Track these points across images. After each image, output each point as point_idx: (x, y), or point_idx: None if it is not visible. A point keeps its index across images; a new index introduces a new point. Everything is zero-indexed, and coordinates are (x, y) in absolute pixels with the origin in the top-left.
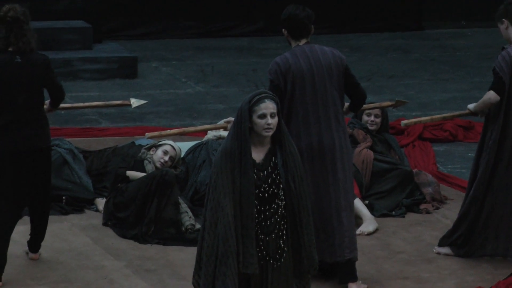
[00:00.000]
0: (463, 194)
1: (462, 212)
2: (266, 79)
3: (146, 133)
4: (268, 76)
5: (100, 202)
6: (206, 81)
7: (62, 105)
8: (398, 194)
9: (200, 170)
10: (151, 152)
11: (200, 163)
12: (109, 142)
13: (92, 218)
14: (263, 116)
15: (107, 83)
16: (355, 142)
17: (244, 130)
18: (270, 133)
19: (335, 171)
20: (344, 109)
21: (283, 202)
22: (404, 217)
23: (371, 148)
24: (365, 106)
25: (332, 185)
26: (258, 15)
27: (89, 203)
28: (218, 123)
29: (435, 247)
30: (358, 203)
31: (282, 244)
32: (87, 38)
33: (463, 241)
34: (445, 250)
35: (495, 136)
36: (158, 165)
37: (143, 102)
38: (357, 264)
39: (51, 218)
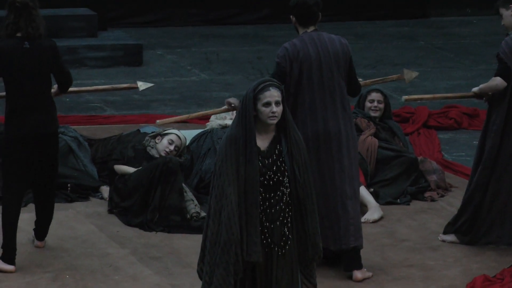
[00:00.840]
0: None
1: (466, 198)
2: (271, 67)
3: (157, 120)
4: (276, 59)
5: (105, 190)
6: (211, 68)
7: (69, 89)
8: (403, 181)
9: (205, 158)
10: (156, 141)
11: (205, 151)
12: (114, 129)
13: (97, 206)
14: (268, 104)
15: (112, 71)
16: (358, 130)
17: (249, 118)
18: (275, 121)
19: (341, 158)
20: None
21: (288, 190)
22: (409, 204)
23: (374, 135)
24: (368, 81)
25: (337, 172)
26: (263, 2)
27: (94, 191)
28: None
29: (440, 234)
30: (363, 191)
31: (287, 231)
32: (92, 25)
33: (467, 228)
34: (450, 237)
35: (499, 121)
36: (163, 154)
37: (150, 84)
38: (362, 251)
39: (56, 205)
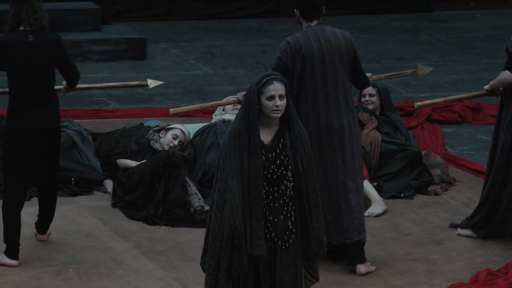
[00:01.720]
0: (472, 176)
1: (484, 195)
2: (274, 61)
3: (170, 109)
4: (277, 54)
5: (109, 184)
6: (214, 62)
7: (79, 85)
8: (406, 175)
9: (209, 152)
10: (161, 135)
11: (208, 145)
12: (118, 123)
13: (101, 200)
14: (271, 98)
15: (115, 65)
16: (360, 124)
17: (253, 112)
18: (279, 115)
19: (344, 152)
20: None
21: (292, 184)
22: (412, 198)
23: (376, 129)
24: (383, 75)
25: (340, 167)
26: None
27: (98, 185)
28: (230, 97)
29: (458, 228)
30: (367, 185)
31: (291, 225)
32: (96, 19)
33: (484, 223)
34: (467, 232)
35: (511, 115)
36: (166, 148)
37: (160, 82)
38: (365, 246)
39: (60, 199)
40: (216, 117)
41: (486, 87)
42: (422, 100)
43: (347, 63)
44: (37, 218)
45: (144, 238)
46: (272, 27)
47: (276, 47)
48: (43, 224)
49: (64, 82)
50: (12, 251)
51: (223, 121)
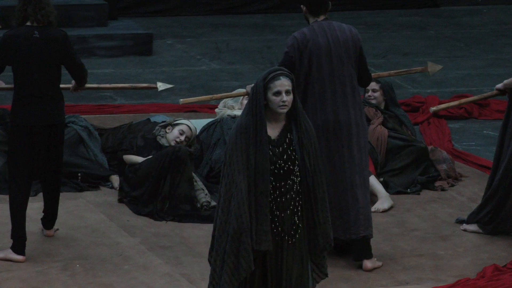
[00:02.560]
0: (478, 171)
1: (491, 191)
2: (281, 56)
3: (180, 100)
4: (284, 49)
5: (115, 179)
6: (220, 58)
7: (88, 85)
8: (412, 171)
9: (215, 148)
10: (167, 130)
11: (214, 141)
12: (124, 119)
13: (107, 195)
14: (278, 93)
15: (122, 60)
16: (367, 120)
17: (259, 107)
18: (285, 110)
19: (351, 147)
20: None
21: (299, 179)
22: (419, 194)
23: (382, 124)
24: (393, 72)
25: (347, 162)
26: None
27: (105, 180)
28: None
29: (463, 224)
30: (373, 181)
31: (297, 220)
32: (102, 15)
33: (490, 218)
34: (473, 227)
35: None
36: (173, 144)
37: (169, 86)
38: (372, 241)
39: (67, 195)
40: (220, 112)
41: (499, 86)
42: (428, 97)
43: (354, 58)
44: (42, 213)
45: (151, 233)
46: (278, 23)
47: (282, 42)
48: (48, 219)
49: (73, 81)
50: (18, 247)
51: (233, 116)
